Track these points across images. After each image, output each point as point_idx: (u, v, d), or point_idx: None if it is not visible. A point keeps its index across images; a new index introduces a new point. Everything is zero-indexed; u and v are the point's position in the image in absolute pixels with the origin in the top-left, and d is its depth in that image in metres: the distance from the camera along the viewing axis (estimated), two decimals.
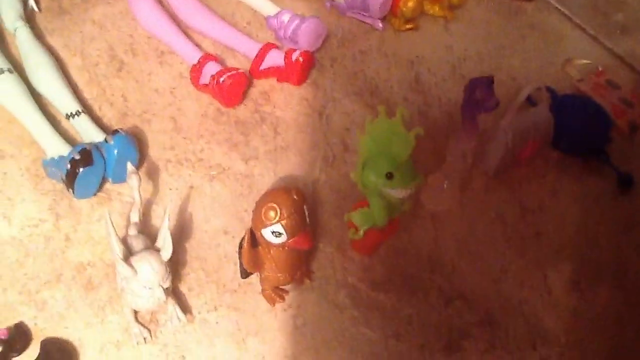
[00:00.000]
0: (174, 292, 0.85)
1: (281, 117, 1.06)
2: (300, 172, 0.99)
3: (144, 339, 0.82)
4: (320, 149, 1.02)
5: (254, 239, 0.78)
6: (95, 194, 0.92)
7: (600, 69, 1.21)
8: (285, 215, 0.74)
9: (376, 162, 0.80)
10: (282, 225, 0.75)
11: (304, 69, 1.05)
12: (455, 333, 0.88)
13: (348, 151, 1.03)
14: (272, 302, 0.86)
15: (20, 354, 0.79)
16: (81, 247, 0.88)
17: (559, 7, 1.33)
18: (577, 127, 1.06)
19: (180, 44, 1.05)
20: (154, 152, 0.99)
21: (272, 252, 0.79)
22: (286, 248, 0.78)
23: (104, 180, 0.93)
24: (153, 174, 0.96)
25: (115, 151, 0.89)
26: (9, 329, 0.80)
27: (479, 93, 0.84)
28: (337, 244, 0.92)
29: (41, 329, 0.82)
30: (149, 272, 0.74)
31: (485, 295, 0.91)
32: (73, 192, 0.88)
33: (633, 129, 1.12)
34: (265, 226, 0.75)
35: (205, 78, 1.00)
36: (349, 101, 1.09)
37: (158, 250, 0.77)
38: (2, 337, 0.78)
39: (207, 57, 1.01)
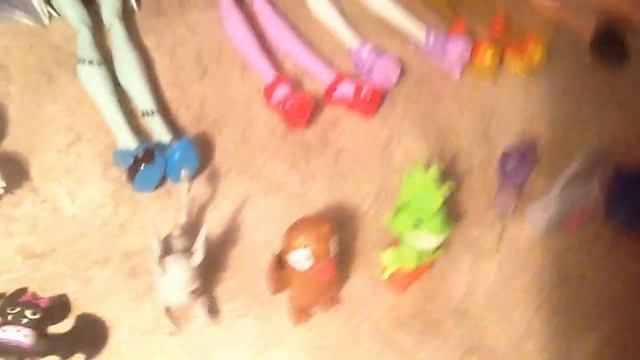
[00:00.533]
0: (208, 294, 0.89)
1: (345, 146, 1.09)
2: (352, 202, 1.02)
3: (171, 331, 0.86)
4: (375, 183, 1.05)
5: (282, 261, 0.81)
6: (155, 189, 0.97)
7: None
8: (311, 243, 0.78)
9: (407, 209, 0.83)
10: (308, 252, 0.78)
11: (370, 104, 1.08)
12: None
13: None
14: (296, 321, 0.89)
15: (55, 324, 0.84)
16: (133, 235, 0.94)
17: None
18: (632, 203, 1.04)
19: (259, 61, 1.10)
20: (219, 158, 1.04)
21: (297, 275, 0.83)
22: (310, 274, 0.81)
23: (164, 178, 0.98)
24: (213, 180, 1.01)
25: (177, 155, 0.94)
26: (51, 298, 0.86)
27: (510, 166, 0.85)
28: (371, 277, 0.94)
29: (81, 304, 0.87)
30: (177, 274, 0.79)
31: (503, 355, 0.91)
32: (133, 185, 0.94)
33: None
34: (292, 251, 0.78)
35: (275, 99, 1.04)
36: (414, 142, 1.11)
37: (192, 254, 0.81)
38: (43, 305, 0.84)
39: (279, 79, 1.06)
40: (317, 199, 1.02)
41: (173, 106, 1.09)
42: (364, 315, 0.92)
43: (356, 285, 0.94)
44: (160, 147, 0.96)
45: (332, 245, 0.80)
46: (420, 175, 0.83)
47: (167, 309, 0.86)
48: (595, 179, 1.02)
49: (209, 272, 0.91)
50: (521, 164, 0.87)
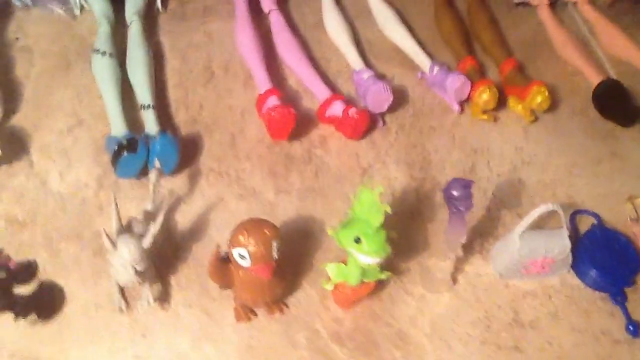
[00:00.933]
0: (163, 280, 0.95)
1: (327, 163, 1.13)
2: (321, 217, 1.06)
3: (120, 308, 0.92)
4: (348, 203, 1.08)
5: (227, 257, 0.86)
6: (137, 177, 1.03)
7: None
8: (252, 243, 0.82)
9: (351, 225, 0.86)
10: (247, 250, 0.83)
11: (356, 125, 1.12)
12: None
13: None
14: (238, 318, 0.94)
15: (20, 285, 0.92)
16: (108, 218, 1.00)
17: None
18: (599, 260, 1.04)
19: (257, 71, 1.16)
20: (204, 159, 1.11)
21: (240, 273, 0.87)
22: (250, 273, 0.86)
23: (147, 169, 1.05)
24: (194, 177, 1.08)
25: (158, 147, 1.01)
26: (20, 263, 0.94)
27: (455, 192, 0.87)
28: (321, 289, 0.97)
29: (47, 272, 0.95)
30: (125, 252, 0.85)
31: None
32: (115, 170, 1.01)
33: None
34: (234, 247, 0.83)
35: (264, 109, 1.10)
36: (397, 168, 1.15)
37: (142, 238, 0.87)
38: (12, 267, 0.92)
39: (272, 91, 1.11)
40: (287, 210, 1.06)
41: (173, 105, 1.16)
42: (306, 323, 0.95)
43: (307, 295, 0.98)
44: (146, 139, 1.02)
45: (274, 248, 0.85)
46: (366, 194, 0.86)
47: (120, 288, 0.92)
48: (566, 230, 1.02)
49: (169, 261, 0.96)
50: (465, 191, 0.89)
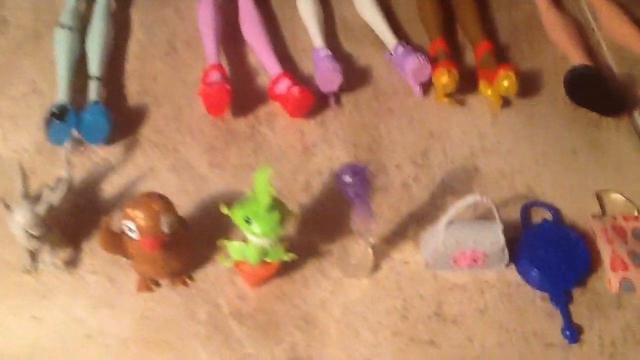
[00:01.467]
0: (75, 246, 0.96)
1: (269, 141, 1.11)
2: None
3: (26, 269, 0.94)
4: (281, 181, 1.06)
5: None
6: (68, 144, 1.04)
7: (636, 213, 1.06)
8: (139, 216, 0.82)
9: (244, 204, 0.84)
10: (134, 223, 0.82)
11: (298, 104, 1.09)
12: None
13: (304, 192, 1.05)
14: (139, 288, 0.94)
15: None
16: (37, 182, 1.02)
17: None
18: (543, 257, 0.98)
19: (208, 45, 1.14)
20: (145, 129, 1.11)
21: (133, 244, 0.87)
22: (140, 245, 0.85)
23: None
24: (130, 147, 1.08)
25: (88, 117, 1.03)
26: None
27: (345, 177, 0.82)
28: (232, 267, 0.95)
29: None
30: (19, 217, 0.87)
31: None
32: (46, 136, 1.03)
33: (626, 288, 0.98)
34: (123, 219, 0.83)
35: (203, 84, 1.09)
36: (342, 149, 1.11)
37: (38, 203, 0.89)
38: None
39: (215, 67, 1.10)
40: (218, 185, 1.05)
41: (127, 75, 1.17)
42: (209, 298, 0.94)
43: (217, 270, 0.96)
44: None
45: (164, 222, 0.84)
46: (259, 174, 0.83)
47: (28, 250, 0.94)
48: (500, 224, 0.95)
49: (87, 227, 0.98)
50: (358, 177, 0.84)
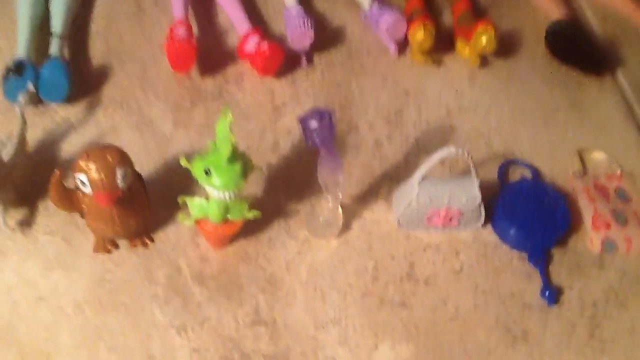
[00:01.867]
0: (31, 206, 0.91)
1: (238, 100, 1.06)
2: None
3: None
4: (249, 141, 1.01)
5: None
6: (23, 98, 0.98)
7: (619, 172, 1.02)
8: (92, 169, 0.77)
9: (205, 156, 0.80)
10: (87, 176, 0.77)
11: (267, 60, 1.04)
12: (238, 355, 0.83)
13: (272, 151, 1.01)
14: (95, 249, 0.89)
15: None
16: None
17: (628, 98, 1.13)
18: (520, 215, 0.93)
19: (175, 1, 1.09)
20: (108, 89, 1.06)
21: (86, 200, 0.82)
22: (94, 201, 0.80)
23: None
24: (92, 106, 1.03)
25: (46, 72, 0.98)
26: None
27: (311, 122, 0.77)
28: (194, 226, 0.90)
29: None
30: None
31: (296, 332, 0.85)
32: (2, 91, 0.98)
33: (608, 248, 0.94)
34: (75, 172, 0.78)
35: (169, 39, 1.04)
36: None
37: None
38: None
39: (180, 22, 1.05)
40: (182, 143, 1.00)
41: (92, 35, 1.12)
42: (169, 260, 0.89)
43: (178, 230, 0.92)
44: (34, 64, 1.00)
45: (119, 176, 0.79)
46: (220, 123, 0.78)
47: None
48: (476, 179, 0.90)
49: (43, 187, 0.92)
50: (323, 122, 0.79)
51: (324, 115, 0.77)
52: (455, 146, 0.86)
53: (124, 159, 0.80)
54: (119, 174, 0.78)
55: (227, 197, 0.80)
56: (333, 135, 0.80)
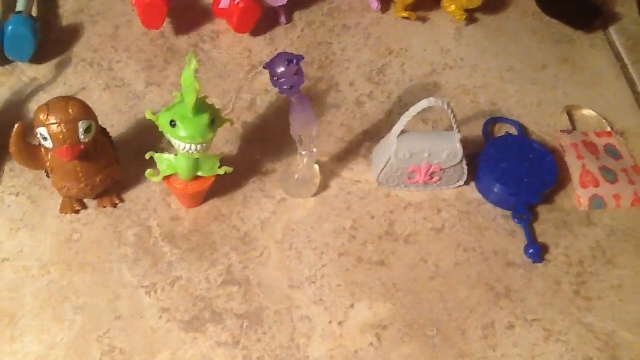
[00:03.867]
0: None
1: (214, 59, 1.03)
2: None
3: None
4: (225, 100, 0.98)
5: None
6: None
7: (609, 129, 0.98)
8: (53, 122, 0.74)
9: (172, 108, 0.77)
10: (47, 130, 0.74)
11: (242, 16, 1.00)
12: (209, 314, 0.79)
13: (249, 110, 0.98)
14: (62, 209, 0.86)
15: None
16: None
17: (622, 52, 1.09)
18: (505, 171, 0.89)
19: None
20: (78, 49, 1.03)
21: (49, 156, 0.79)
22: (56, 155, 0.77)
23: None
24: (61, 66, 1.00)
25: (10, 28, 0.94)
26: None
27: (277, 68, 0.74)
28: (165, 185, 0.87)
29: None
30: None
31: (270, 291, 0.82)
32: None
33: (596, 205, 0.90)
34: (36, 126, 0.75)
35: None
36: None
37: None
38: None
39: None
40: (154, 102, 0.97)
41: None
42: (140, 220, 0.86)
43: (149, 190, 0.89)
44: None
45: (81, 130, 0.75)
46: (186, 69, 0.74)
47: None
48: (458, 133, 0.87)
49: (6, 148, 0.89)
50: (291, 67, 0.75)
51: (291, 60, 0.74)
52: (436, 97, 0.82)
53: (86, 111, 0.77)
54: (81, 127, 0.75)
55: (195, 150, 0.77)
56: (302, 81, 0.76)
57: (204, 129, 0.75)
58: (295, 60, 0.73)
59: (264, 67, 0.74)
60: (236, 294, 0.81)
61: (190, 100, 0.73)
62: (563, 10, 1.08)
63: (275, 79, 0.74)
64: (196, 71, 0.71)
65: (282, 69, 0.74)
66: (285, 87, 0.74)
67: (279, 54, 0.74)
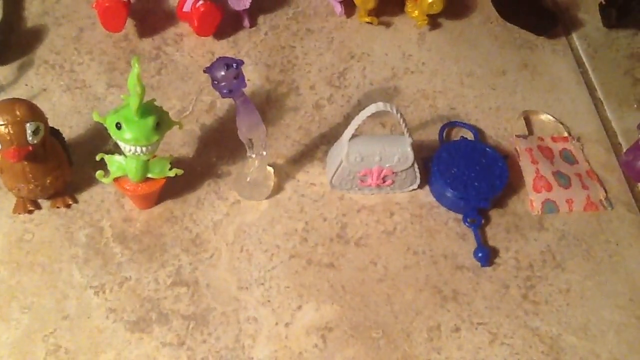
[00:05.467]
0: None
1: (176, 61, 1.04)
2: None
3: None
4: (185, 102, 0.99)
5: None
6: None
7: (566, 134, 0.98)
8: (0, 123, 0.75)
9: (117, 110, 0.78)
10: None
11: (202, 18, 1.01)
12: (156, 315, 0.80)
13: (208, 112, 0.99)
14: (15, 209, 0.86)
15: None
16: None
17: (583, 58, 1.10)
18: (456, 176, 0.90)
19: None
20: (41, 51, 1.03)
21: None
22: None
23: None
24: (23, 68, 1.01)
25: None
26: None
27: (217, 72, 0.74)
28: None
29: None
30: None
31: (218, 293, 0.83)
32: None
33: (548, 210, 0.91)
34: None
35: None
36: (253, 70, 1.03)
37: None
38: None
39: None
40: (115, 104, 0.98)
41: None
42: (92, 221, 0.87)
43: (104, 191, 0.89)
44: None
45: (29, 131, 0.76)
46: (130, 76, 0.75)
47: None
48: (409, 137, 0.87)
49: None
50: (229, 72, 0.75)
51: (230, 64, 0.74)
52: (384, 102, 0.83)
53: (34, 112, 0.77)
54: (28, 128, 0.76)
55: (140, 152, 0.78)
56: (243, 85, 0.76)
57: (149, 131, 0.76)
58: (234, 65, 0.74)
59: (204, 71, 0.75)
60: (184, 295, 0.82)
61: (134, 103, 0.74)
62: (519, 16, 1.08)
63: (216, 82, 0.74)
64: (139, 75, 0.71)
65: (222, 73, 0.74)
66: (225, 91, 0.75)
67: (219, 58, 0.75)
